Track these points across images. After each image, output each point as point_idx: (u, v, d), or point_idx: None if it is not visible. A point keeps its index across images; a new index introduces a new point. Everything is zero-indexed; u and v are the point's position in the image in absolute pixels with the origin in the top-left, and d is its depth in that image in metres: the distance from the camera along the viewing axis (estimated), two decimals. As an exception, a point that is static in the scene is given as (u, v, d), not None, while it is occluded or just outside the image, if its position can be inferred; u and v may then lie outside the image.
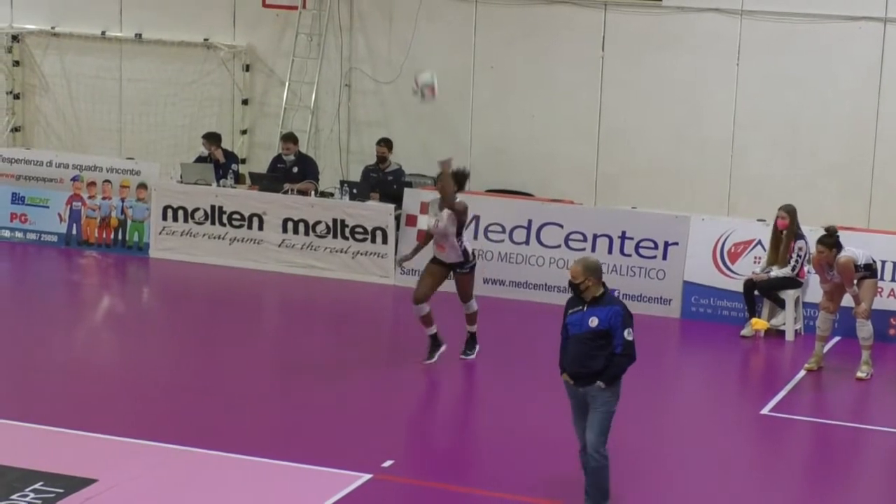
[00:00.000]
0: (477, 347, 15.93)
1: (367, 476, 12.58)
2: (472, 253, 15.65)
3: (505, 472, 12.79)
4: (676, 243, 18.22)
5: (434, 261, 15.57)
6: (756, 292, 17.32)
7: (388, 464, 12.85)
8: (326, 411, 14.20)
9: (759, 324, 17.20)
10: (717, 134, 19.89)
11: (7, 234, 21.13)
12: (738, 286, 17.60)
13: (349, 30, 21.55)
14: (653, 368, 15.06)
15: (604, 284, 11.36)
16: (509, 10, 20.60)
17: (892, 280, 17.45)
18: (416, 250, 16.10)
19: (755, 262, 17.72)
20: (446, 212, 15.21)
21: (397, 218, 19.31)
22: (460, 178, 15.52)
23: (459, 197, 15.35)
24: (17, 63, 23.11)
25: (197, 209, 20.04)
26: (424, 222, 15.97)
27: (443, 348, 15.62)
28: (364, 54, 21.55)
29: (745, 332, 17.33)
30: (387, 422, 14.27)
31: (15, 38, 23.04)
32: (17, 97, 23.27)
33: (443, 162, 15.38)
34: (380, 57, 21.43)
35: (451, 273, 15.58)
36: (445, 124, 21.05)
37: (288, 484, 12.60)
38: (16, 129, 23.31)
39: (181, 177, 20.49)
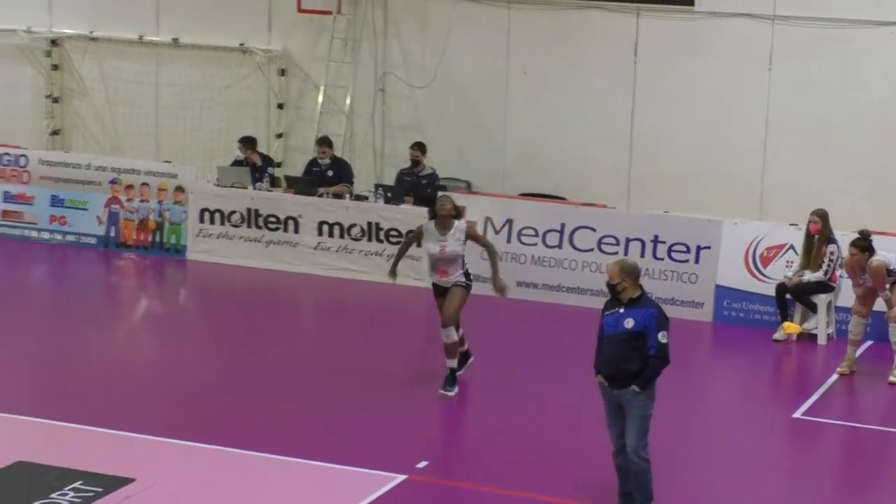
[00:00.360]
0: (456, 388, 14.85)
1: (402, 477, 12.57)
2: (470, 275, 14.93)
3: (537, 473, 12.79)
4: (709, 247, 18.17)
5: (439, 293, 14.76)
6: (788, 296, 17.28)
7: (422, 465, 12.86)
8: (361, 412, 14.22)
9: (791, 327, 17.14)
10: (749, 138, 19.85)
11: (47, 236, 21.24)
12: (770, 290, 17.54)
13: (383, 34, 21.59)
14: (686, 372, 15.02)
15: (641, 287, 11.36)
16: (543, 15, 20.60)
17: (924, 284, 17.43)
18: (398, 260, 15.46)
19: (787, 266, 17.65)
20: (452, 235, 14.61)
21: (431, 221, 19.29)
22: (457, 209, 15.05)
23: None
24: (56, 67, 23.25)
25: (233, 212, 20.09)
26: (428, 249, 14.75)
27: (471, 360, 15.25)
28: (398, 59, 21.60)
29: (777, 335, 17.27)
30: (421, 423, 14.27)
31: (54, 42, 23.18)
32: (56, 101, 23.40)
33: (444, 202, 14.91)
34: (414, 62, 21.47)
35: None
36: (479, 128, 21.10)
37: (323, 484, 12.63)
38: (55, 133, 23.46)
39: (218, 180, 20.56)
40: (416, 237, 15.10)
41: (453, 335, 14.53)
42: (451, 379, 14.72)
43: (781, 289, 17.30)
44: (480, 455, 13.32)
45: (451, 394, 14.66)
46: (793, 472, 13.51)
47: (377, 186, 20.15)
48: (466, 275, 14.72)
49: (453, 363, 14.74)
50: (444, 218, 14.61)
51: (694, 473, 13.05)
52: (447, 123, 21.18)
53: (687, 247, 18.25)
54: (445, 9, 21.10)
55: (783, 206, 19.32)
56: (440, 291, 14.76)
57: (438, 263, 14.61)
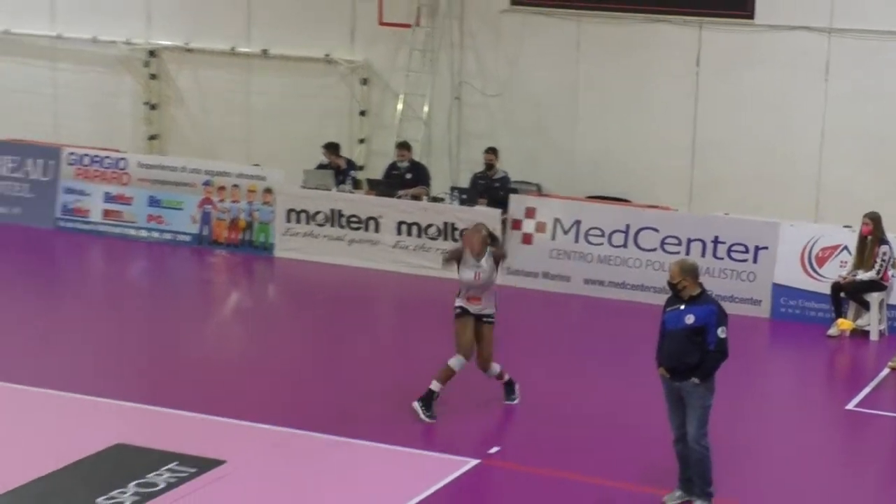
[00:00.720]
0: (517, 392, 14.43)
1: (475, 461, 12.61)
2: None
3: (602, 459, 12.80)
4: (766, 248, 18.07)
5: (464, 313, 13.88)
6: (842, 294, 17.18)
7: (494, 450, 12.89)
8: (437, 400, 14.25)
9: (845, 324, 17.05)
10: (805, 145, 19.70)
11: (145, 234, 21.38)
12: (825, 288, 17.45)
13: (459, 46, 21.58)
14: (744, 365, 14.94)
15: (700, 285, 11.36)
16: (610, 28, 20.55)
17: (973, 284, 17.30)
18: (452, 258, 14.27)
19: (841, 266, 17.54)
20: (486, 261, 13.82)
21: (503, 222, 19.31)
22: (493, 239, 14.27)
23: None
24: (153, 77, 23.37)
25: (318, 212, 20.17)
26: (465, 273, 13.81)
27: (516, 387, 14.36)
28: (473, 69, 21.57)
29: (831, 331, 17.17)
30: (493, 411, 14.28)
31: (152, 53, 23.30)
32: (153, 108, 23.52)
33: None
34: (488, 72, 21.45)
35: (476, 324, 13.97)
36: (549, 134, 21.04)
37: (401, 467, 12.64)
38: (152, 138, 23.58)
39: (304, 182, 20.62)
40: (460, 253, 14.07)
41: (496, 370, 14.09)
42: (508, 387, 14.32)
43: (836, 287, 17.20)
44: (549, 442, 13.34)
45: (515, 400, 14.32)
46: (845, 460, 13.44)
47: (453, 189, 20.19)
48: (495, 307, 14.00)
49: (506, 378, 14.25)
50: (482, 244, 13.83)
51: (751, 461, 12.96)
52: (519, 130, 21.14)
53: (746, 247, 18.16)
54: (518, 22, 21.07)
55: (838, 210, 19.13)
56: (465, 314, 13.90)
57: (472, 290, 13.86)
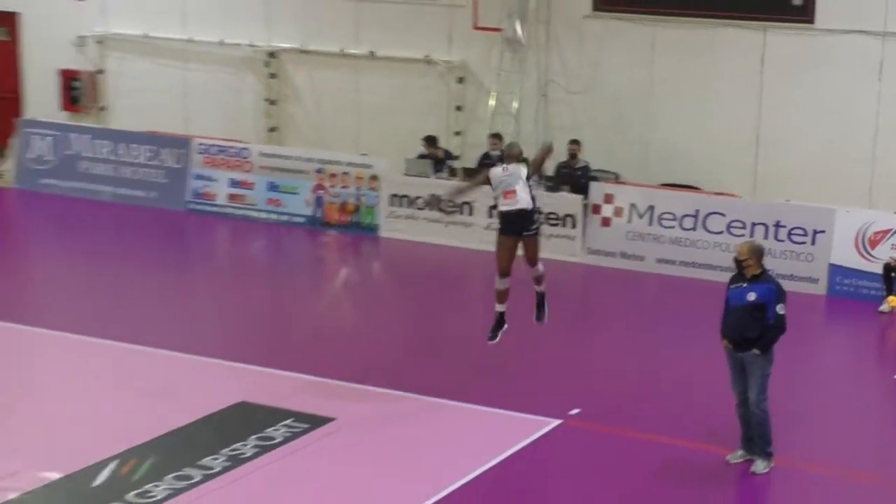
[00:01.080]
0: (546, 310, 13.93)
1: (557, 422, 12.61)
2: (538, 206, 13.44)
3: (673, 422, 12.78)
4: (823, 231, 17.91)
5: (502, 232, 13.30)
6: (893, 274, 16.98)
7: (575, 411, 12.87)
8: (522, 364, 14.27)
9: (895, 301, 16.88)
10: (860, 140, 19.45)
11: (264, 216, 21.53)
12: (877, 268, 17.25)
13: (545, 48, 21.47)
14: (800, 338, 14.81)
15: (763, 266, 11.33)
16: (682, 32, 20.39)
17: None
18: (460, 192, 14.20)
19: (892, 248, 17.34)
20: (513, 164, 13.17)
21: (584, 206, 19.31)
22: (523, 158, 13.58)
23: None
24: (273, 76, 23.49)
25: (418, 197, 20.26)
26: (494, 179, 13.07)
27: (505, 327, 13.77)
28: (558, 69, 21.48)
29: (882, 308, 16.97)
30: (575, 374, 14.28)
31: (272, 54, 23.45)
32: (272, 103, 23.63)
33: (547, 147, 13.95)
34: (571, 71, 21.35)
35: (520, 239, 13.31)
36: (626, 128, 20.93)
37: (489, 427, 12.67)
38: (272, 130, 23.68)
39: (406, 170, 20.72)
40: (485, 178, 13.36)
41: (541, 269, 13.50)
42: (540, 305, 13.83)
43: (887, 267, 16.99)
44: (625, 405, 13.34)
45: (544, 320, 13.83)
46: (893, 423, 13.35)
47: (539, 177, 20.13)
48: (534, 199, 13.17)
49: (541, 288, 13.75)
50: (511, 158, 13.26)
51: (806, 424, 12.92)
52: (599, 124, 21.02)
53: (805, 231, 18.00)
54: (599, 26, 20.96)
55: (889, 198, 18.91)
56: (505, 233, 13.25)
57: (503, 184, 13.04)
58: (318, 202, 21.22)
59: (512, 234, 13.26)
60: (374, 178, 20.81)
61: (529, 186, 13.17)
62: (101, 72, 24.87)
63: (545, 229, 19.10)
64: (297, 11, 23.33)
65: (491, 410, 12.99)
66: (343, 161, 21.12)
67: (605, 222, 19.21)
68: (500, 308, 13.60)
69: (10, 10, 25.41)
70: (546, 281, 13.81)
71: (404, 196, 20.46)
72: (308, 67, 23.35)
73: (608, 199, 19.25)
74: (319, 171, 21.18)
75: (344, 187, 21.04)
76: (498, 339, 13.66)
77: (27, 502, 10.89)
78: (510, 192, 13.03)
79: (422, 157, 20.82)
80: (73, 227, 21.34)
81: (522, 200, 13.05)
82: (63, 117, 24.62)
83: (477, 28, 21.73)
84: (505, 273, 13.38)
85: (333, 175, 21.10)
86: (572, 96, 21.40)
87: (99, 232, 21.14)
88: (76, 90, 24.96)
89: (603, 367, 14.61)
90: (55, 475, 11.33)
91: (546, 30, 21.53)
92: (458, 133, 22.13)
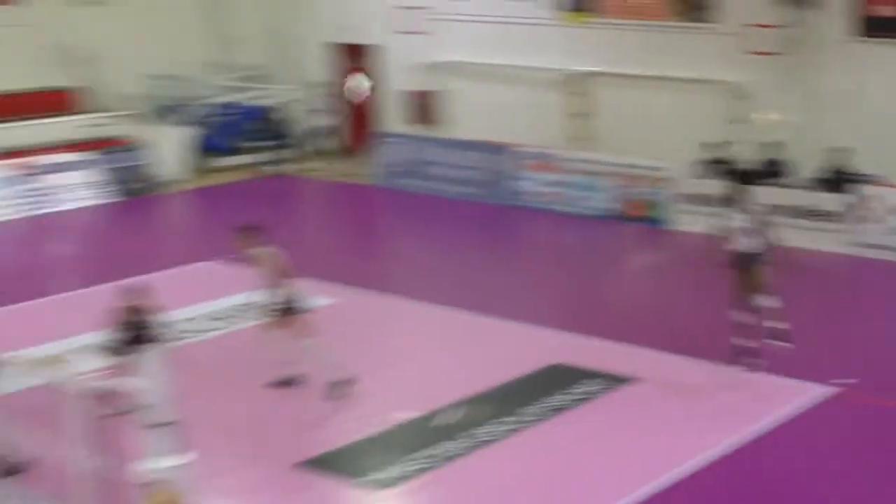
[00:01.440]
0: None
1: (833, 391, 12.33)
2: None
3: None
4: None
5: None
6: None
7: (850, 381, 12.56)
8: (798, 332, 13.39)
9: None
10: None
11: (573, 210, 21.61)
12: None
13: (813, 69, 20.99)
14: None
15: None
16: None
17: None
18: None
19: None
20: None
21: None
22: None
23: None
24: (577, 94, 23.23)
25: (707, 195, 19.39)
26: None
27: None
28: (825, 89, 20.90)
29: None
30: (850, 347, 13.88)
31: (576, 76, 23.27)
32: (578, 117, 23.39)
33: None
34: (835, 90, 20.73)
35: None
36: (888, 139, 20.00)
37: (763, 391, 12.55)
38: (578, 138, 23.47)
39: (694, 173, 20.51)
40: None
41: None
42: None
43: None
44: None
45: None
46: None
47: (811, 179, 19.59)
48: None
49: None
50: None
51: None
52: (861, 136, 20.17)
53: None
54: (861, 50, 20.27)
55: None
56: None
57: None
58: (620, 199, 21.36)
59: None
60: (668, 179, 20.78)
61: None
62: (443, 91, 25.88)
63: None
64: (598, 42, 23.47)
65: (766, 378, 12.80)
66: (641, 164, 21.09)
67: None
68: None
69: (377, 42, 27.09)
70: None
71: (694, 195, 20.24)
72: (607, 87, 23.41)
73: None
74: (620, 173, 21.41)
75: (642, 187, 21.14)
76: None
77: (383, 437, 11.77)
78: None
79: (705, 161, 20.78)
80: (423, 217, 22.27)
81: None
82: (413, 129, 25.89)
83: (752, 53, 21.50)
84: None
85: (632, 177, 21.25)
86: (836, 113, 20.79)
87: (443, 222, 21.85)
88: (423, 107, 26.27)
89: (883, 343, 14.04)
90: (404, 415, 12.17)
91: (812, 53, 21.04)
92: (732, 143, 21.56)
